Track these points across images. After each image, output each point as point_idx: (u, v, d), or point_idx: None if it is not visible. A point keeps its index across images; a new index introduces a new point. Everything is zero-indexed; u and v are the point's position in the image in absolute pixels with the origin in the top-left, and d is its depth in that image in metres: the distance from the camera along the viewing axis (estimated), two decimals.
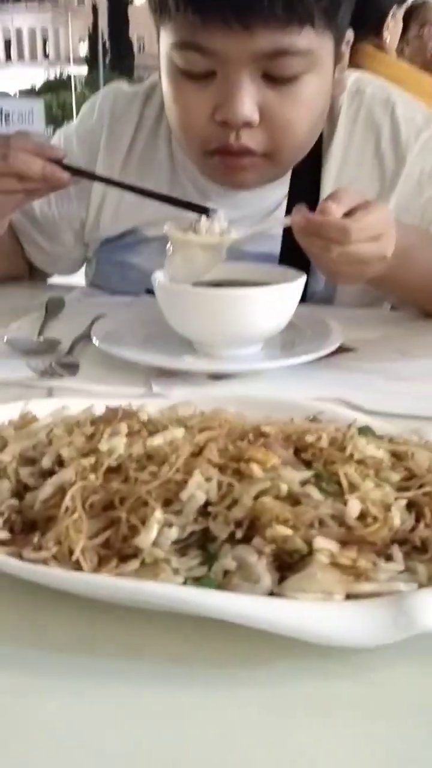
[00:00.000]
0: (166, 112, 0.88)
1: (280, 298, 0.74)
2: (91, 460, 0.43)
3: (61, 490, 0.41)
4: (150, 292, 0.80)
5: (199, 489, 0.40)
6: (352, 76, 0.96)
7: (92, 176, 0.92)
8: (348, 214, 0.70)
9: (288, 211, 0.91)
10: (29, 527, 0.41)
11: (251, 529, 0.39)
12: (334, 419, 0.51)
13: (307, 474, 0.41)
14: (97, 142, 1.01)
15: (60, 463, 0.44)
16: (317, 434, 0.45)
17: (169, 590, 0.36)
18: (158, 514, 0.39)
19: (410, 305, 0.95)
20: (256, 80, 0.78)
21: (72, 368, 0.73)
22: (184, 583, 0.37)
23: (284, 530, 0.38)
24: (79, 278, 1.17)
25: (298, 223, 0.70)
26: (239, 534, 0.39)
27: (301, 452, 0.44)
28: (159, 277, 0.76)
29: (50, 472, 0.44)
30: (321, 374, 0.72)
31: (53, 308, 0.93)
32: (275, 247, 0.95)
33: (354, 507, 0.39)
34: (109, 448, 0.44)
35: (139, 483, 0.41)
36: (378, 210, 0.72)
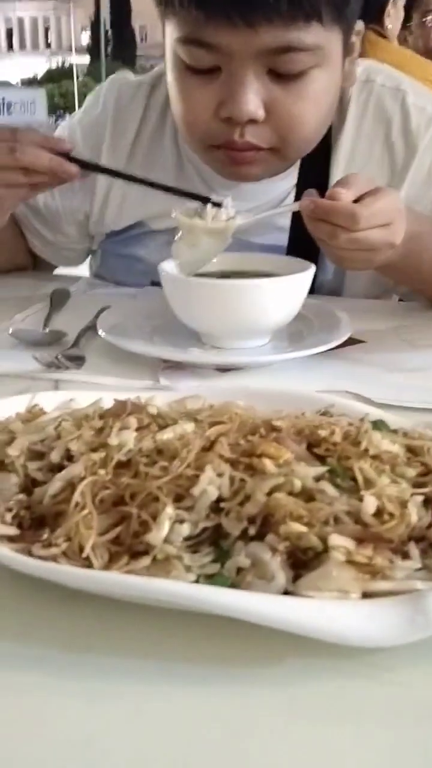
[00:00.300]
0: (171, 106, 0.87)
1: (289, 289, 0.73)
2: (101, 454, 0.42)
3: (71, 485, 0.41)
4: (156, 284, 0.79)
5: (211, 484, 0.39)
6: (362, 65, 0.94)
7: (99, 168, 0.91)
8: (358, 200, 0.69)
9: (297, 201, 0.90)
10: (38, 523, 0.41)
11: (264, 525, 0.38)
12: (345, 412, 0.50)
13: (321, 469, 0.41)
14: (102, 135, 0.99)
15: (69, 457, 0.43)
16: (330, 429, 0.44)
17: (181, 588, 0.35)
18: (170, 510, 0.38)
19: (420, 294, 0.94)
20: (262, 76, 0.76)
21: (78, 360, 0.72)
22: (197, 580, 0.37)
23: (299, 527, 0.37)
24: (83, 269, 1.16)
25: (306, 207, 0.70)
26: (252, 531, 0.38)
27: (314, 447, 0.43)
28: (166, 268, 0.75)
29: (59, 467, 0.43)
30: (330, 366, 0.71)
31: (58, 300, 0.92)
32: (283, 238, 0.94)
33: (370, 503, 0.38)
34: (118, 442, 0.43)
35: (150, 478, 0.40)
36: (388, 196, 0.71)
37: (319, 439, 0.44)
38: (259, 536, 0.38)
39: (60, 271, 1.16)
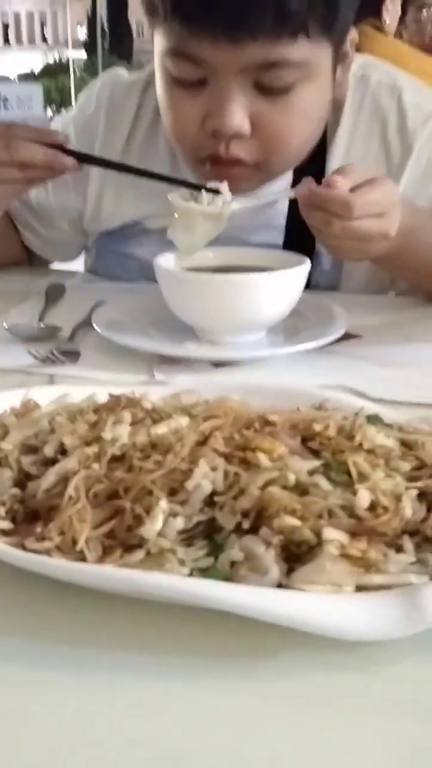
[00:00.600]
0: (161, 116, 0.86)
1: (285, 284, 0.73)
2: (95, 448, 0.42)
3: (64, 479, 0.41)
4: (151, 281, 0.79)
5: (204, 478, 0.39)
6: (358, 62, 0.93)
7: (95, 159, 0.90)
8: (354, 190, 0.69)
9: (292, 202, 0.89)
10: (31, 517, 0.41)
11: (258, 519, 0.38)
12: (340, 407, 0.50)
13: (315, 463, 0.41)
14: (95, 133, 0.98)
15: (63, 451, 0.43)
16: (325, 423, 0.44)
17: (175, 581, 0.35)
18: (163, 504, 0.38)
19: (417, 289, 0.94)
20: (248, 90, 0.75)
21: (73, 355, 0.72)
22: (190, 574, 0.37)
23: (292, 521, 0.37)
24: (79, 264, 1.15)
25: (302, 194, 0.70)
26: (246, 524, 0.38)
27: (309, 441, 0.43)
28: (162, 263, 0.75)
29: (53, 461, 0.43)
30: (325, 361, 0.71)
31: (53, 294, 0.92)
32: (278, 237, 0.94)
33: (364, 497, 0.38)
34: (112, 436, 0.43)
35: (144, 472, 0.40)
36: (384, 187, 0.71)
37: (313, 433, 0.44)
38: (253, 530, 0.38)
39: (55, 265, 1.16)
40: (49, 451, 0.44)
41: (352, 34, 0.82)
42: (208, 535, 0.38)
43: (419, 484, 0.40)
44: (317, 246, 0.90)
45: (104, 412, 0.46)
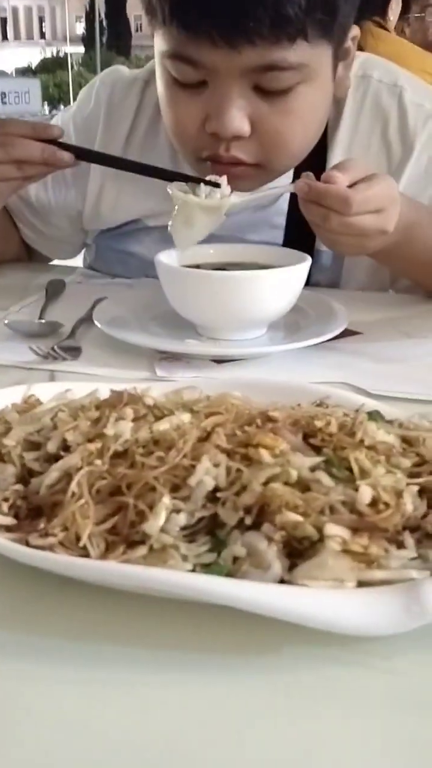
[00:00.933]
0: (162, 115, 0.86)
1: (285, 281, 0.73)
2: (97, 444, 0.42)
3: (67, 476, 0.41)
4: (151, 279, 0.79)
5: (207, 474, 0.40)
6: (359, 59, 0.93)
7: (91, 153, 0.90)
8: (353, 185, 0.69)
9: (292, 199, 0.89)
10: (34, 513, 0.41)
11: (261, 515, 0.38)
12: (340, 403, 0.50)
13: (317, 460, 0.41)
14: (95, 131, 0.98)
15: (65, 447, 0.43)
16: (326, 419, 0.44)
17: (177, 577, 0.36)
18: (166, 500, 0.38)
19: (416, 285, 0.94)
20: (248, 92, 0.75)
21: (74, 351, 0.72)
22: (193, 569, 0.37)
23: (294, 516, 0.37)
24: (78, 262, 1.15)
25: (301, 189, 0.70)
26: (248, 520, 0.38)
27: (310, 438, 0.43)
28: (163, 260, 0.75)
29: (56, 457, 0.43)
30: (326, 358, 0.71)
31: (54, 290, 0.92)
32: (278, 236, 0.94)
33: (365, 493, 0.38)
34: (115, 432, 0.43)
35: (147, 468, 0.40)
36: (382, 183, 0.71)
37: (315, 429, 0.44)
38: (256, 526, 0.38)
39: (55, 261, 1.16)
40: (51, 447, 0.44)
41: (354, 32, 0.82)
42: (210, 531, 0.39)
43: (420, 480, 0.40)
44: (317, 243, 0.91)
45: (106, 408, 0.46)
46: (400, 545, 0.37)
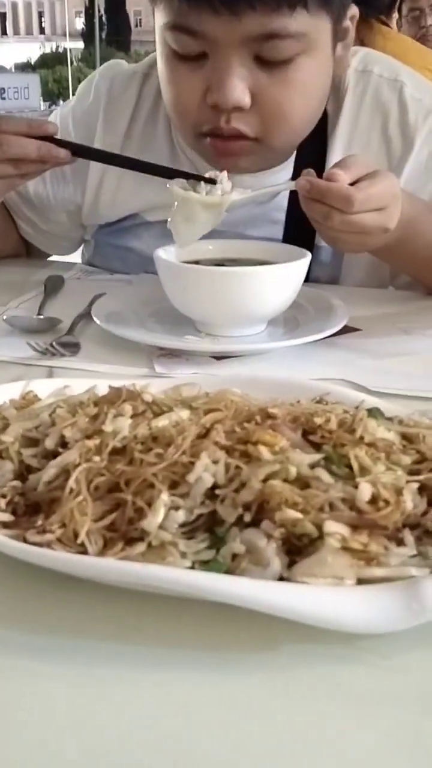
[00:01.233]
0: (162, 93, 0.86)
1: (285, 277, 0.73)
2: (96, 441, 0.42)
3: (65, 472, 0.40)
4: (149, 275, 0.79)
5: (206, 471, 0.39)
6: (360, 54, 0.93)
7: (88, 150, 0.89)
8: (355, 183, 0.69)
9: (292, 195, 0.89)
10: (32, 509, 0.41)
11: (260, 512, 0.38)
12: (340, 400, 0.50)
13: (316, 457, 0.41)
14: (94, 124, 0.98)
15: (63, 444, 0.43)
16: (326, 416, 0.44)
17: (176, 574, 0.35)
18: (165, 497, 0.38)
19: (416, 281, 0.93)
20: (248, 63, 0.75)
21: (73, 347, 0.72)
22: (192, 566, 0.37)
23: (294, 514, 0.37)
24: (76, 257, 1.15)
25: (303, 186, 0.70)
26: (248, 517, 0.38)
27: (310, 434, 0.43)
28: (162, 255, 0.75)
29: (54, 454, 0.43)
30: (325, 354, 0.71)
31: (53, 286, 0.91)
32: (278, 232, 0.94)
33: (365, 490, 0.38)
34: (113, 429, 0.43)
35: (145, 465, 0.40)
36: (384, 180, 0.71)
37: (314, 426, 0.43)
38: (255, 523, 0.38)
39: (54, 257, 1.16)
40: (50, 443, 0.43)
41: (353, 11, 0.82)
42: (209, 527, 0.38)
43: (420, 477, 0.40)
44: (317, 239, 0.90)
45: (105, 404, 0.46)
46: (400, 542, 0.37)
